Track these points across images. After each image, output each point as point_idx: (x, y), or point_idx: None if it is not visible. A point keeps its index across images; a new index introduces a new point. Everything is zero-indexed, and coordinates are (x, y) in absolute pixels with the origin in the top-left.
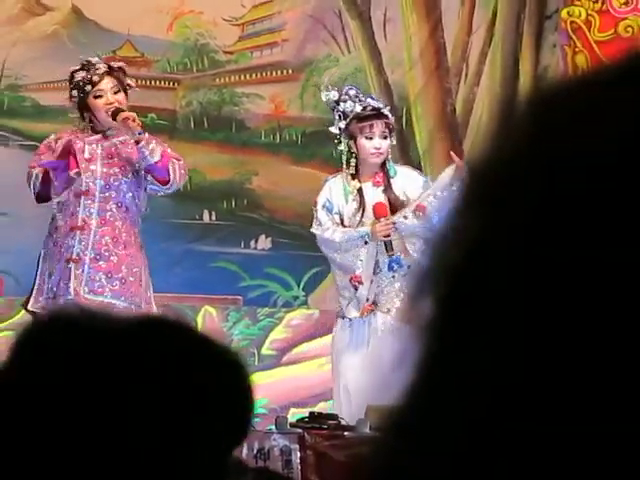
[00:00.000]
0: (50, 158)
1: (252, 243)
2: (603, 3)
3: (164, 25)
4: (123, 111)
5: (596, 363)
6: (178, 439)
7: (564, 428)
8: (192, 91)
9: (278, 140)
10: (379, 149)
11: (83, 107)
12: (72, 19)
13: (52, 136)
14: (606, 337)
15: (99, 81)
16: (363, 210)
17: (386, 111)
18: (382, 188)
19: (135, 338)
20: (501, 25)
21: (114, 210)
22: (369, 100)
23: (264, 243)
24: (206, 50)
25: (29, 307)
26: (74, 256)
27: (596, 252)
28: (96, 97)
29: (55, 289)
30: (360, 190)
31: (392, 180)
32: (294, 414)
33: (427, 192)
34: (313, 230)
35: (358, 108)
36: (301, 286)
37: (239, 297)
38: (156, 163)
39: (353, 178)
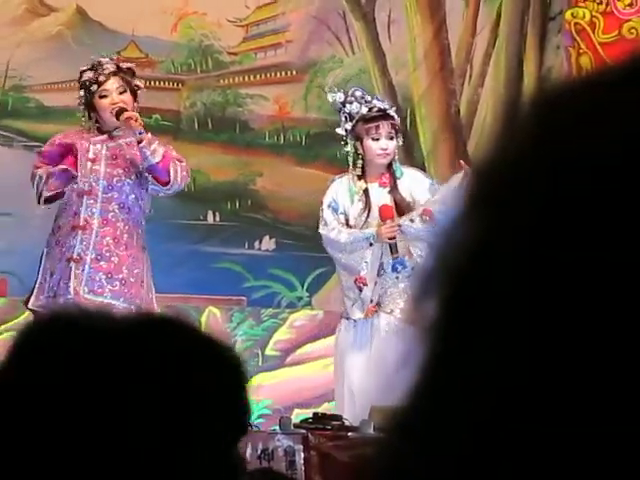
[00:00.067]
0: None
1: (256, 244)
2: (607, 5)
3: (168, 26)
4: (127, 111)
5: (601, 364)
6: (178, 439)
7: (568, 429)
8: (196, 92)
9: (282, 141)
10: (386, 150)
11: (89, 107)
12: (76, 20)
13: (58, 135)
14: (611, 338)
15: (105, 81)
16: (369, 211)
17: (392, 112)
18: (388, 189)
19: (135, 338)
20: (505, 26)
21: (116, 211)
22: (375, 101)
23: (268, 244)
24: (210, 51)
25: (30, 305)
26: (75, 256)
27: (601, 253)
28: (102, 97)
29: (55, 288)
30: (366, 191)
31: (398, 181)
32: (298, 415)
33: (434, 198)
34: (320, 230)
35: (364, 109)
36: (305, 287)
37: (243, 298)
38: (157, 163)
39: (360, 179)
